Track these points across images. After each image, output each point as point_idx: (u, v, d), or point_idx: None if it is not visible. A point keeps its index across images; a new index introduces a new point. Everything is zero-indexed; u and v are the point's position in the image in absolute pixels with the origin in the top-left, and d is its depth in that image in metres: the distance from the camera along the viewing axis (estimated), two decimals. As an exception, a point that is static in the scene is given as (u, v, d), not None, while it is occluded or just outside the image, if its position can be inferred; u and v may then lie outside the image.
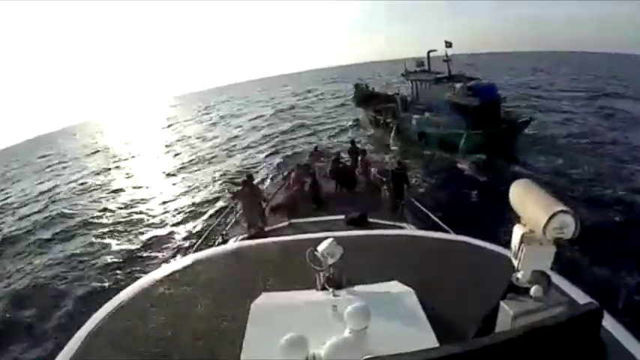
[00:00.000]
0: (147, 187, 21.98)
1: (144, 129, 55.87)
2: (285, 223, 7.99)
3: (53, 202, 22.39)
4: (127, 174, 27.22)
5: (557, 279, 1.95)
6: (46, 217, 19.22)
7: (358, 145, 13.67)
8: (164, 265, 3.29)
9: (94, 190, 23.81)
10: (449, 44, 19.85)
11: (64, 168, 35.29)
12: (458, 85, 18.10)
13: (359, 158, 11.77)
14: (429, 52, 21.79)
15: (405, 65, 22.69)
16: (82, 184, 26.01)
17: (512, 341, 1.16)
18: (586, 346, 1.26)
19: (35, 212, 20.73)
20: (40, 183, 29.68)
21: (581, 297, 2.30)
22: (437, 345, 1.77)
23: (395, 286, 2.35)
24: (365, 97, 26.97)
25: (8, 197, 26.62)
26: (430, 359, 1.08)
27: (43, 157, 49.11)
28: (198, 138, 36.19)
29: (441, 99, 18.55)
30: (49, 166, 38.33)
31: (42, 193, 25.75)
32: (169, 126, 52.75)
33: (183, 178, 22.65)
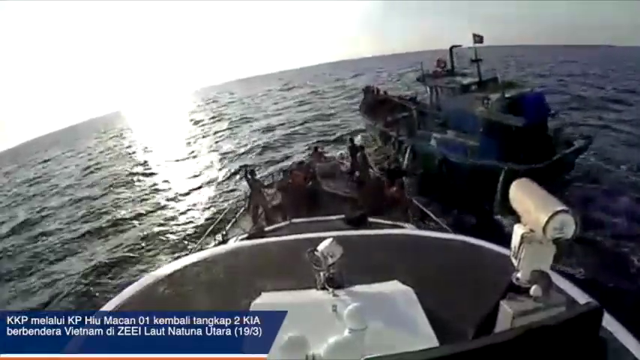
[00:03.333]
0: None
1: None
2: (285, 223, 8.00)
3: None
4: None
5: (557, 279, 1.96)
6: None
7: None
8: (164, 265, 3.29)
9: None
10: (479, 39, 14.96)
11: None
12: (494, 97, 13.20)
13: (357, 155, 11.74)
14: (451, 48, 16.84)
15: (422, 66, 17.52)
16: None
17: (512, 341, 1.16)
18: (586, 345, 1.26)
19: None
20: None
21: (581, 297, 2.30)
22: (437, 345, 1.77)
23: (395, 286, 2.35)
24: (374, 103, 21.56)
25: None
26: (430, 359, 1.09)
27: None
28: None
29: (469, 113, 13.72)
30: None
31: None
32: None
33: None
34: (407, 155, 15.82)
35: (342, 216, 7.60)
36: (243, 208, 9.93)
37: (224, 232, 8.43)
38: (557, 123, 14.40)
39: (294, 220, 7.91)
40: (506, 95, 13.10)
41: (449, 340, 1.81)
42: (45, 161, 39.85)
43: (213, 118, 46.66)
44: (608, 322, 1.94)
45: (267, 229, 7.80)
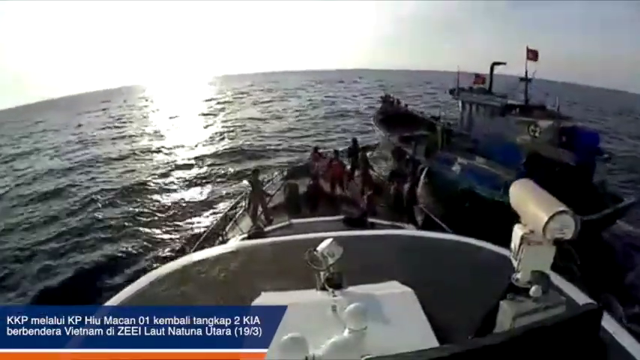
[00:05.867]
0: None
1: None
2: (285, 223, 8.00)
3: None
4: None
5: (556, 279, 1.96)
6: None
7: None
8: (163, 265, 3.29)
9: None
10: (532, 55, 12.74)
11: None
12: (544, 124, 10.95)
13: (359, 156, 11.70)
14: (493, 66, 14.33)
15: (458, 79, 15.25)
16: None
17: (511, 341, 1.16)
18: (585, 345, 1.27)
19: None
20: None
21: (580, 297, 2.30)
22: (437, 345, 1.77)
23: (395, 286, 2.35)
24: (392, 114, 19.39)
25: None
26: (430, 359, 1.09)
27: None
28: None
29: (509, 139, 11.64)
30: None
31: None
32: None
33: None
34: (422, 178, 12.98)
35: (342, 216, 7.63)
36: (243, 208, 9.93)
37: (224, 232, 8.43)
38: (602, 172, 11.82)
39: (294, 220, 7.92)
40: (561, 125, 10.90)
41: (449, 340, 1.81)
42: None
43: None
44: (608, 323, 1.95)
45: (267, 229, 7.81)
